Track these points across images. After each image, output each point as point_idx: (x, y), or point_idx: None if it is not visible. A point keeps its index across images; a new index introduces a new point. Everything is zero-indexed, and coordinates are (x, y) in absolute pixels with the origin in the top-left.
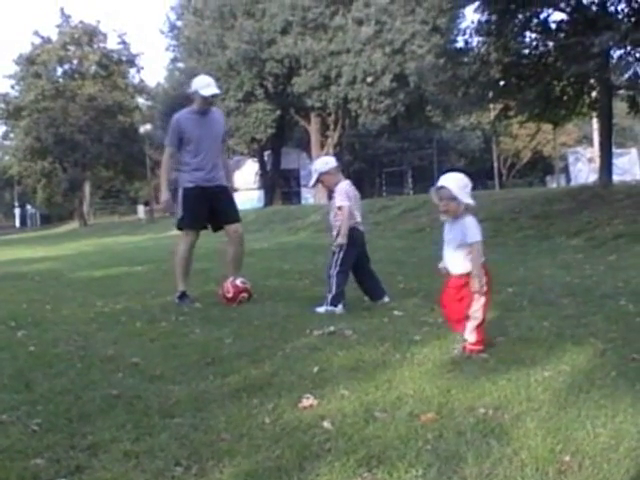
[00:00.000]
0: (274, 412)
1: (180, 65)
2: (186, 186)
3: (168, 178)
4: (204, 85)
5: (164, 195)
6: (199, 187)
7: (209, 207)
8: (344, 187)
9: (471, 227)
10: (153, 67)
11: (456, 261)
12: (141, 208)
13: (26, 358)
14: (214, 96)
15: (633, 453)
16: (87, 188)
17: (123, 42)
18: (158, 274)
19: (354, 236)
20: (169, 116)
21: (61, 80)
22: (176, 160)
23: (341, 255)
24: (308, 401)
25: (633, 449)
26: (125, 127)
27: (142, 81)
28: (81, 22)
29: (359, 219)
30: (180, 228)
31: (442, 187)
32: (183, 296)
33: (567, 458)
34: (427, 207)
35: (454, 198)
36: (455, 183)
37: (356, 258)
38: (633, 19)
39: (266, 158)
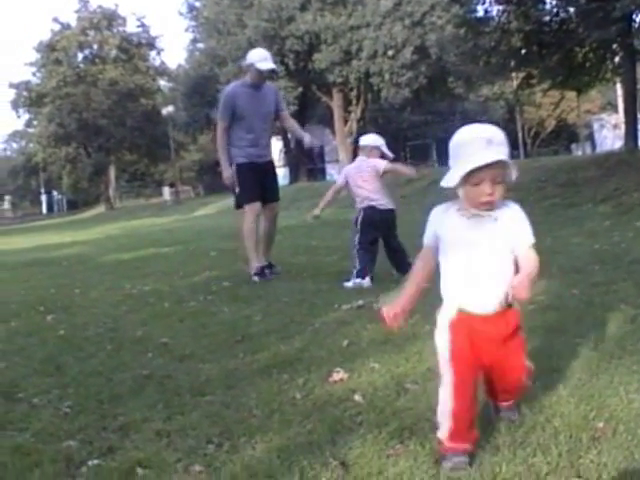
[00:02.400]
0: (304, 387)
1: (200, 46)
2: (239, 162)
3: (226, 153)
4: (261, 59)
5: (226, 171)
6: (252, 162)
7: (260, 182)
8: (346, 166)
9: (524, 218)
10: (173, 49)
11: (500, 284)
12: (166, 190)
13: (56, 342)
14: (271, 71)
15: None
16: (112, 172)
17: (142, 25)
18: (185, 255)
19: (370, 215)
20: (191, 97)
21: (82, 65)
22: (228, 135)
23: (357, 235)
24: (338, 375)
25: None
26: (148, 110)
27: (163, 63)
28: (99, 7)
29: (377, 198)
30: (240, 206)
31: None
32: (262, 272)
33: (601, 425)
34: None
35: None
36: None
37: (380, 236)
38: None
39: (290, 136)
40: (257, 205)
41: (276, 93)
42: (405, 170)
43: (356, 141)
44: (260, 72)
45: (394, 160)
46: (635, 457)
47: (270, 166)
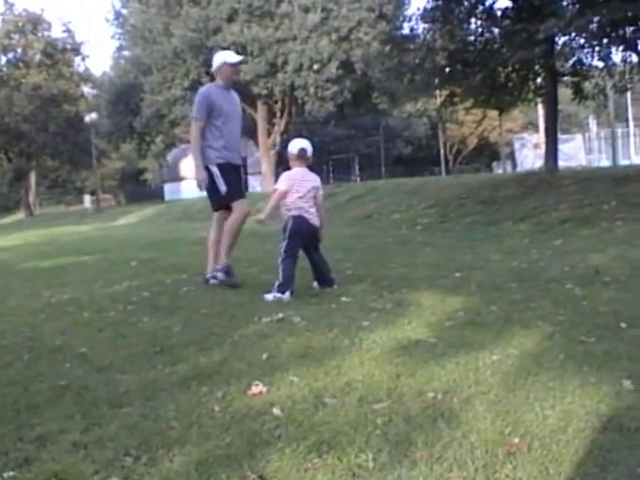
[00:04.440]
0: (223, 400)
1: (125, 53)
2: (218, 162)
3: (201, 153)
4: (228, 55)
5: (201, 173)
6: (229, 163)
7: (236, 178)
8: (290, 173)
9: None
10: (98, 56)
11: None
12: (87, 198)
13: None
14: (241, 62)
15: (581, 434)
16: (33, 178)
17: (68, 30)
18: (105, 264)
19: (299, 224)
20: (115, 105)
21: (5, 69)
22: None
23: (284, 244)
24: (257, 388)
25: (581, 430)
26: (71, 116)
27: (87, 70)
28: (25, 10)
29: (309, 212)
30: (218, 208)
31: None
32: (229, 271)
33: (516, 440)
34: (374, 194)
35: None
36: None
37: (304, 246)
38: (577, 6)
39: None
40: (244, 202)
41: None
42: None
43: (283, 153)
44: (233, 65)
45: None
46: (550, 472)
47: (240, 167)
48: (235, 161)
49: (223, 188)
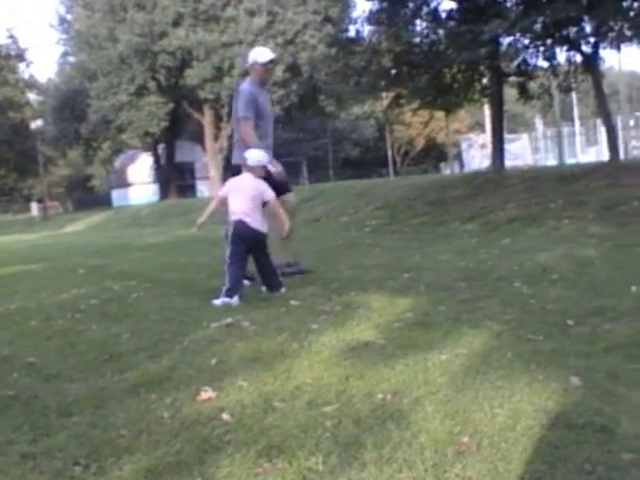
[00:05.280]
0: (173, 406)
1: (71, 59)
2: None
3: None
4: (260, 53)
5: (276, 165)
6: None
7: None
8: (233, 178)
9: None
10: (43, 62)
11: None
12: (35, 205)
13: None
14: (272, 61)
15: (530, 431)
16: None
17: (12, 36)
18: (53, 272)
19: (240, 229)
20: (61, 111)
21: None
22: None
23: (228, 249)
24: (207, 394)
25: (530, 427)
26: (16, 123)
27: (32, 76)
28: None
29: (250, 219)
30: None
31: None
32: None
33: (465, 439)
34: (323, 197)
35: None
36: None
37: (248, 251)
38: (522, 7)
39: (160, 152)
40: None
41: None
42: (281, 222)
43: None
44: (263, 65)
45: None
46: (499, 470)
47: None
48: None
49: None
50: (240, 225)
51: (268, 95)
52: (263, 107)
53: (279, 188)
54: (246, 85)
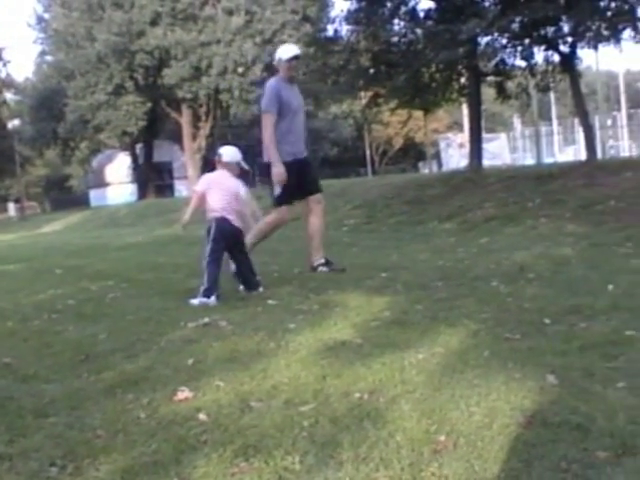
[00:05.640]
0: (149, 406)
1: (48, 58)
2: (286, 160)
3: (276, 147)
4: (284, 51)
5: (279, 166)
6: (296, 160)
7: (298, 180)
8: (208, 175)
9: None
10: (21, 61)
11: None
12: (12, 206)
13: None
14: (296, 57)
15: (506, 430)
16: None
17: None
18: (30, 273)
19: (222, 226)
20: (38, 111)
21: None
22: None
23: (208, 247)
24: (183, 394)
25: (506, 426)
26: None
27: (9, 75)
28: None
29: (230, 215)
30: (279, 204)
31: None
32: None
33: (442, 438)
34: None
35: None
36: None
37: (227, 249)
38: (499, 6)
39: (138, 151)
40: (286, 210)
41: None
42: (253, 219)
43: (209, 157)
44: (287, 61)
45: (248, 172)
46: (475, 469)
47: (308, 159)
48: (302, 155)
49: (278, 190)
50: (222, 222)
51: (296, 91)
52: (288, 102)
53: (309, 187)
54: (272, 81)
